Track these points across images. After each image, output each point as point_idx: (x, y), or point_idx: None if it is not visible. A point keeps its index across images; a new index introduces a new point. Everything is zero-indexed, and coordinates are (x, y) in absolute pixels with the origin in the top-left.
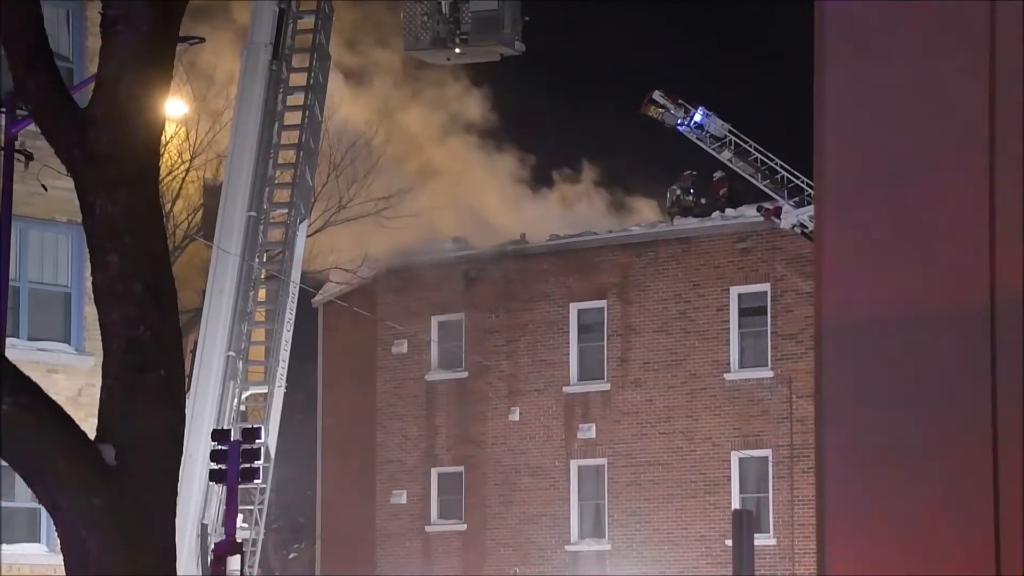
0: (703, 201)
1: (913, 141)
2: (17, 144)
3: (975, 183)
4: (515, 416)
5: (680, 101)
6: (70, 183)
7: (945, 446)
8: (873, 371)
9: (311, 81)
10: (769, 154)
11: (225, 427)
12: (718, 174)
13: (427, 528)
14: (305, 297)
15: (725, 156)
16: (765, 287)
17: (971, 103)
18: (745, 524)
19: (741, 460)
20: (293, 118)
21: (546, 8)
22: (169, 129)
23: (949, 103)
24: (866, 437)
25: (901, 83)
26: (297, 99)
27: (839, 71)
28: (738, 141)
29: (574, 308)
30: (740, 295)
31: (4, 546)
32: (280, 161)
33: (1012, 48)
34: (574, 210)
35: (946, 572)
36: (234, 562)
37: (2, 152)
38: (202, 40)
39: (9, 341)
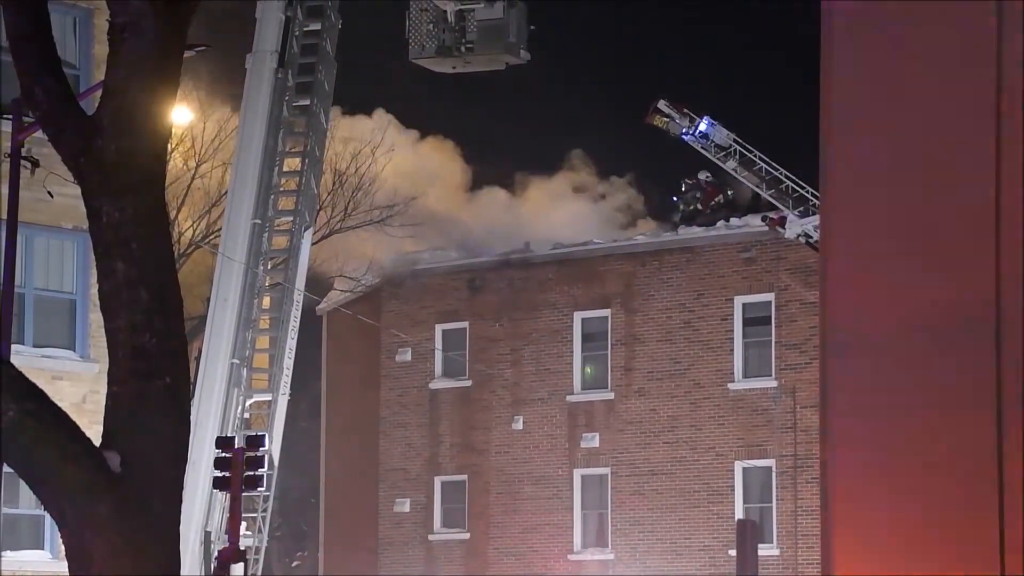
0: (699, 208)
1: (920, 149)
2: (23, 151)
3: (982, 190)
4: (518, 425)
5: (685, 110)
6: (76, 190)
7: (949, 453)
8: (878, 380)
9: (316, 88)
10: (774, 164)
11: (229, 434)
12: (703, 174)
13: (430, 536)
14: (309, 305)
15: (730, 166)
16: (769, 297)
17: (979, 107)
18: (749, 534)
19: (745, 470)
20: (298, 125)
21: (552, 14)
22: (175, 136)
23: (957, 108)
24: (871, 446)
25: (908, 88)
26: (302, 107)
27: (845, 75)
28: (743, 151)
29: (578, 317)
30: (744, 305)
31: (8, 553)
32: (285, 169)
33: (1017, 48)
34: (578, 219)
35: (950, 573)
36: (237, 569)
37: (8, 159)
38: (209, 47)
39: (14, 348)
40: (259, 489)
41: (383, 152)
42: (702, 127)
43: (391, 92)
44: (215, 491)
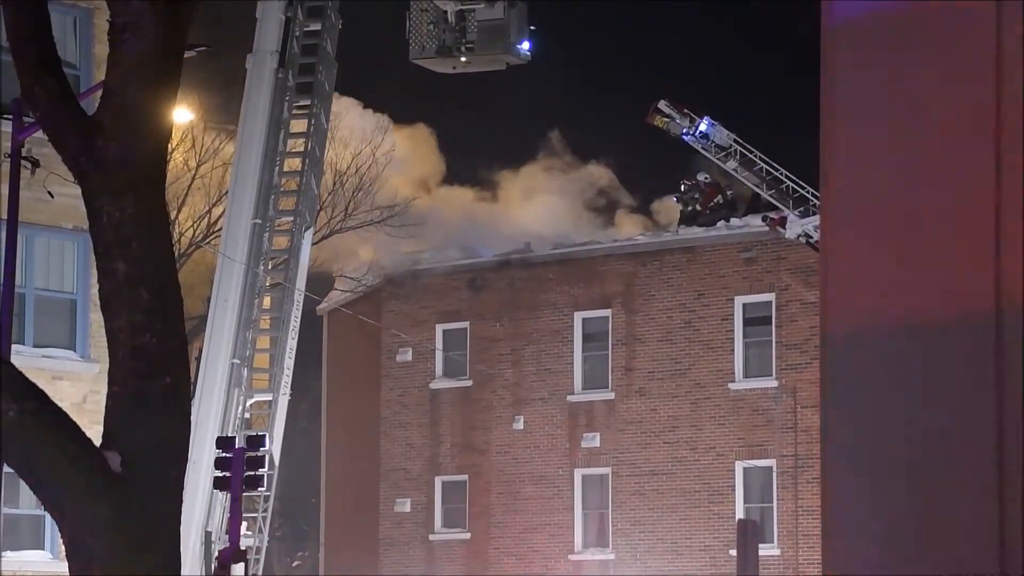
0: (698, 208)
1: (920, 149)
2: (24, 151)
3: (980, 192)
4: (519, 425)
5: (686, 111)
6: (76, 190)
7: (950, 452)
8: (878, 380)
9: (316, 88)
10: (774, 164)
11: (229, 434)
12: (702, 175)
13: (431, 536)
14: (310, 305)
15: (730, 166)
16: (770, 297)
17: (979, 107)
18: (749, 534)
19: (745, 470)
20: (299, 126)
21: (553, 12)
22: (175, 135)
23: (957, 108)
24: (871, 445)
25: (908, 88)
26: (303, 107)
27: (846, 77)
28: (743, 151)
29: (579, 317)
30: (745, 305)
31: (8, 553)
32: (285, 169)
33: (1017, 48)
34: (579, 218)
35: (950, 572)
36: (238, 569)
37: (9, 159)
38: (209, 47)
39: (15, 348)
40: (259, 489)
41: (383, 153)
42: (702, 127)
43: (387, 90)
44: (215, 491)
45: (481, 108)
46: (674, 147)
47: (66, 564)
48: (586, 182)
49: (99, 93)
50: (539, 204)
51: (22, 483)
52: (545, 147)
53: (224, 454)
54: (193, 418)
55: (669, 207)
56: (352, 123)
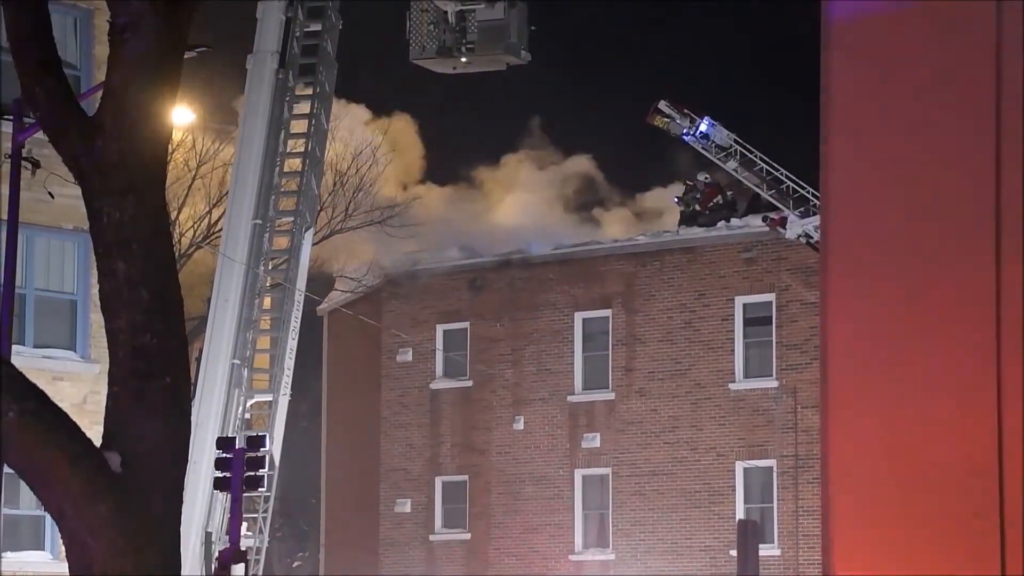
0: (698, 208)
1: (919, 148)
2: (24, 151)
3: (981, 190)
4: (519, 425)
5: (686, 111)
6: (77, 190)
7: (950, 454)
8: (879, 380)
9: (317, 89)
10: (775, 164)
11: (230, 435)
12: (703, 175)
13: (431, 537)
14: (310, 305)
15: (730, 166)
16: (770, 297)
17: (978, 107)
18: (750, 534)
19: (746, 470)
20: (299, 126)
21: (554, 12)
22: (176, 136)
23: (956, 108)
24: (872, 446)
25: (908, 88)
26: (303, 107)
27: (845, 76)
28: (744, 151)
29: (579, 317)
30: (745, 305)
31: (9, 554)
32: (286, 169)
33: (1017, 48)
34: (578, 218)
35: (950, 574)
36: (238, 570)
37: (9, 159)
38: (210, 47)
39: (15, 348)
40: (260, 490)
41: (383, 153)
42: (702, 127)
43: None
44: (216, 492)
45: (481, 107)
46: (666, 145)
47: (66, 564)
48: (570, 175)
49: (99, 93)
50: (526, 200)
51: (22, 483)
52: (536, 144)
53: (224, 454)
54: (193, 418)
55: (656, 203)
56: (352, 123)
